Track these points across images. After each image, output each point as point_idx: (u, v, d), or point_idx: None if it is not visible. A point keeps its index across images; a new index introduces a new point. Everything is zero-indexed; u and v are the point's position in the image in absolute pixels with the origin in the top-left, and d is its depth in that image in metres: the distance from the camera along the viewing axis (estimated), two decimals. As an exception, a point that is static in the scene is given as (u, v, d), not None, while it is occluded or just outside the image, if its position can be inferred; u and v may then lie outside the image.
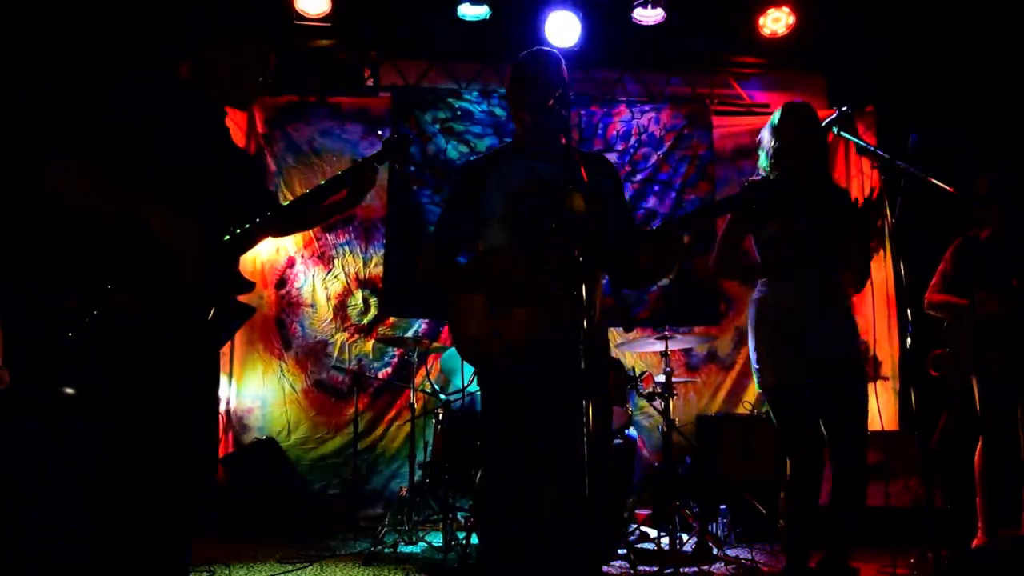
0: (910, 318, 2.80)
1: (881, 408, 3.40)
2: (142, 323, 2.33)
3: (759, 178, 3.51)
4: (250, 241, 2.61)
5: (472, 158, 3.05)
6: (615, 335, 6.21)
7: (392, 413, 6.37)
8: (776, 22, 6.36)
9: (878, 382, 6.19)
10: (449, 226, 2.93)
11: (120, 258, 2.35)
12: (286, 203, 2.74)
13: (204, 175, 2.54)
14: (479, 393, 5.12)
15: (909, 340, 2.79)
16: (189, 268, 2.36)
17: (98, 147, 2.37)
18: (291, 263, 6.51)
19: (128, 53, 4.64)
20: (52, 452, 4.13)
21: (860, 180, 6.42)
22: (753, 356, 3.48)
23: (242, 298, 2.61)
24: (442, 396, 5.30)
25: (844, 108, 3.13)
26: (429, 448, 5.37)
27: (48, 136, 2.45)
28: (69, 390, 4.30)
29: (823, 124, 3.19)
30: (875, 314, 3.24)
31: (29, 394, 4.15)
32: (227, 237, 2.52)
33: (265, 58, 2.66)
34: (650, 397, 5.21)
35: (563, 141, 2.51)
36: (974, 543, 4.18)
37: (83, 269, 2.37)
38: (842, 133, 3.12)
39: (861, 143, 2.99)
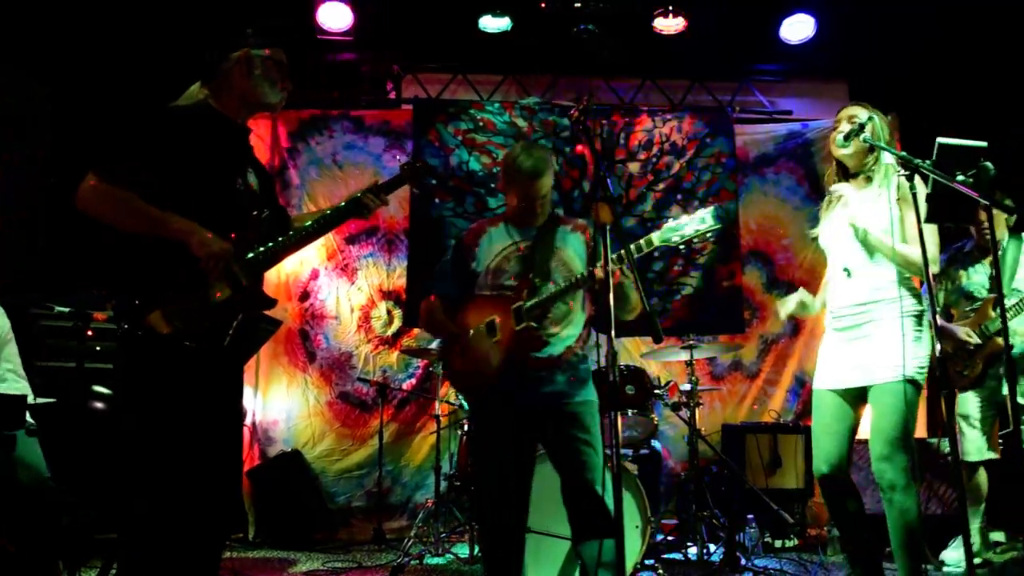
0: (939, 322, 2.77)
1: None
2: (168, 336, 2.36)
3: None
4: (274, 259, 2.66)
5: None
6: (640, 345, 6.20)
7: (417, 425, 6.38)
8: (797, 29, 6.37)
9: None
10: None
11: (150, 273, 2.41)
12: (307, 224, 2.75)
13: (232, 194, 2.59)
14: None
15: (939, 346, 2.74)
16: (218, 284, 2.42)
17: (130, 167, 2.43)
18: (315, 275, 6.55)
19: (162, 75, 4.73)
20: (81, 461, 4.16)
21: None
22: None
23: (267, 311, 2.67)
24: (467, 407, 5.31)
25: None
26: (454, 459, 5.38)
27: (88, 154, 2.52)
28: (98, 404, 4.34)
29: (848, 132, 3.17)
30: (902, 319, 3.17)
31: (58, 405, 4.18)
32: (251, 255, 2.57)
33: (284, 60, 2.73)
34: (675, 407, 5.18)
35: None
36: None
37: (114, 283, 2.43)
38: (866, 139, 3.11)
39: (888, 148, 2.97)
